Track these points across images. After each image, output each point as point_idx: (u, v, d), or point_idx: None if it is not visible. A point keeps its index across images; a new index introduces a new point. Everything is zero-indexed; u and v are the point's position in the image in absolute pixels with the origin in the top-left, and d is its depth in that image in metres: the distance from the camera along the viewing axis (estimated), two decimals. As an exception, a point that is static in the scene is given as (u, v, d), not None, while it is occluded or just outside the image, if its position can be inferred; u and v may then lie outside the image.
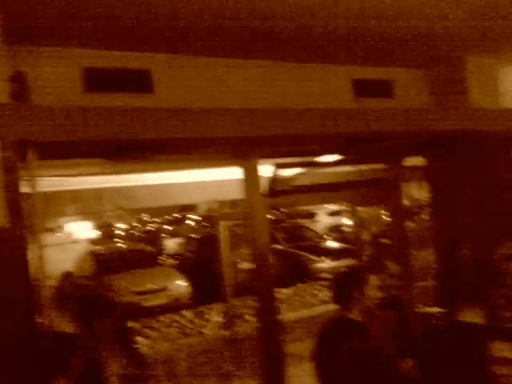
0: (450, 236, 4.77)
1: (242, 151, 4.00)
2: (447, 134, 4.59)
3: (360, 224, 7.05)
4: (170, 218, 21.14)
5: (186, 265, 10.88)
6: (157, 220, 21.84)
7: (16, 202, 2.77)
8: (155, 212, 20.26)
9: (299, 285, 8.72)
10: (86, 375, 2.42)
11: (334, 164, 5.08)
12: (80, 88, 3.65)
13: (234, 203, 8.95)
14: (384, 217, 7.60)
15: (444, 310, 3.83)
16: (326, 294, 7.36)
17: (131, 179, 6.23)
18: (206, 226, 15.19)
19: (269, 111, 3.82)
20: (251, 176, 4.05)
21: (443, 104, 4.88)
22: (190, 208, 19.81)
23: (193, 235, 13.66)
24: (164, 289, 8.86)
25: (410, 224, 5.70)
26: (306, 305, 7.54)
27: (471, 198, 4.71)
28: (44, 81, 3.42)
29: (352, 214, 6.81)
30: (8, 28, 3.01)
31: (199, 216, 19.11)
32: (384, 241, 6.60)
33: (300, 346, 4.96)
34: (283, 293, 7.85)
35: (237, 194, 4.34)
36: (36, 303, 2.91)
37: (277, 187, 4.84)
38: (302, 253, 10.53)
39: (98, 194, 6.50)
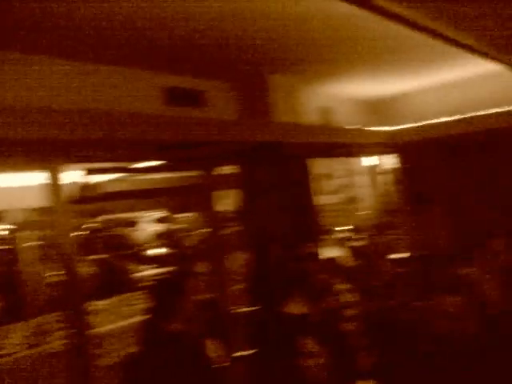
0: (262, 238, 5.13)
1: (46, 155, 3.75)
2: (253, 144, 4.94)
3: (182, 230, 7.12)
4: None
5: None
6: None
7: None
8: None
9: (118, 295, 8.42)
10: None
11: (148, 170, 5.07)
12: None
13: (42, 211, 8.26)
14: (203, 223, 7.79)
15: (257, 308, 4.03)
16: (144, 304, 7.22)
17: None
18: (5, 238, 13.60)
19: (73, 112, 3.64)
20: (56, 182, 3.81)
21: (250, 116, 5.25)
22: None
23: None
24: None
25: (225, 229, 5.96)
26: (123, 316, 7.31)
27: (276, 201, 5.13)
28: None
29: (174, 221, 6.86)
30: None
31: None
32: (198, 246, 6.77)
33: (114, 359, 4.81)
34: (100, 304, 7.49)
35: (41, 200, 4.04)
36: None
37: (87, 194, 4.64)
38: (122, 262, 10.21)
39: None
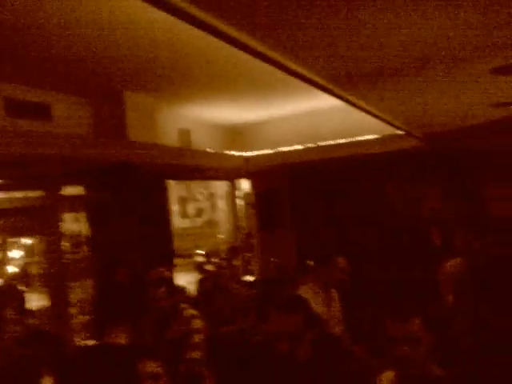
0: (109, 264, 4.85)
1: None
2: (105, 164, 4.71)
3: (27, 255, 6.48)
4: None
5: None
6: None
7: None
8: None
9: None
10: None
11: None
12: None
13: None
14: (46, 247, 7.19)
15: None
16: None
17: None
18: None
19: None
20: None
21: (103, 134, 5.00)
22: None
23: None
24: None
25: (71, 255, 5.56)
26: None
27: (129, 224, 4.93)
28: None
29: (10, 245, 6.21)
30: None
31: None
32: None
33: None
34: None
35: None
36: None
37: None
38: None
39: None
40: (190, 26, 1.90)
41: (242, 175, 7.16)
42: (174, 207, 7.44)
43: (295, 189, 6.87)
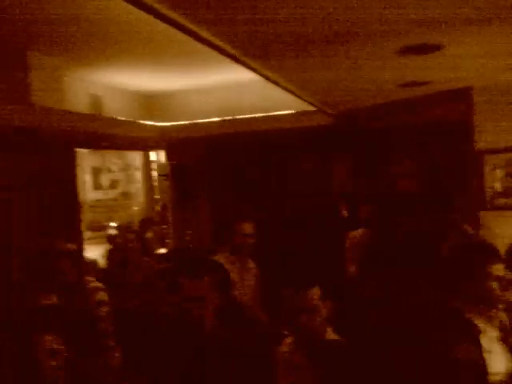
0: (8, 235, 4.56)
1: None
2: (6, 129, 4.38)
3: None
4: None
5: None
6: None
7: None
8: None
9: None
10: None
11: None
12: None
13: None
14: None
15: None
16: None
17: None
18: None
19: None
20: None
21: (3, 97, 4.64)
22: None
23: None
24: None
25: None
26: None
27: (33, 195, 4.66)
28: None
29: None
30: None
31: None
32: None
33: None
34: None
35: None
36: None
37: None
38: None
39: None
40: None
41: (158, 146, 6.99)
42: (87, 178, 7.13)
43: (211, 161, 6.83)
